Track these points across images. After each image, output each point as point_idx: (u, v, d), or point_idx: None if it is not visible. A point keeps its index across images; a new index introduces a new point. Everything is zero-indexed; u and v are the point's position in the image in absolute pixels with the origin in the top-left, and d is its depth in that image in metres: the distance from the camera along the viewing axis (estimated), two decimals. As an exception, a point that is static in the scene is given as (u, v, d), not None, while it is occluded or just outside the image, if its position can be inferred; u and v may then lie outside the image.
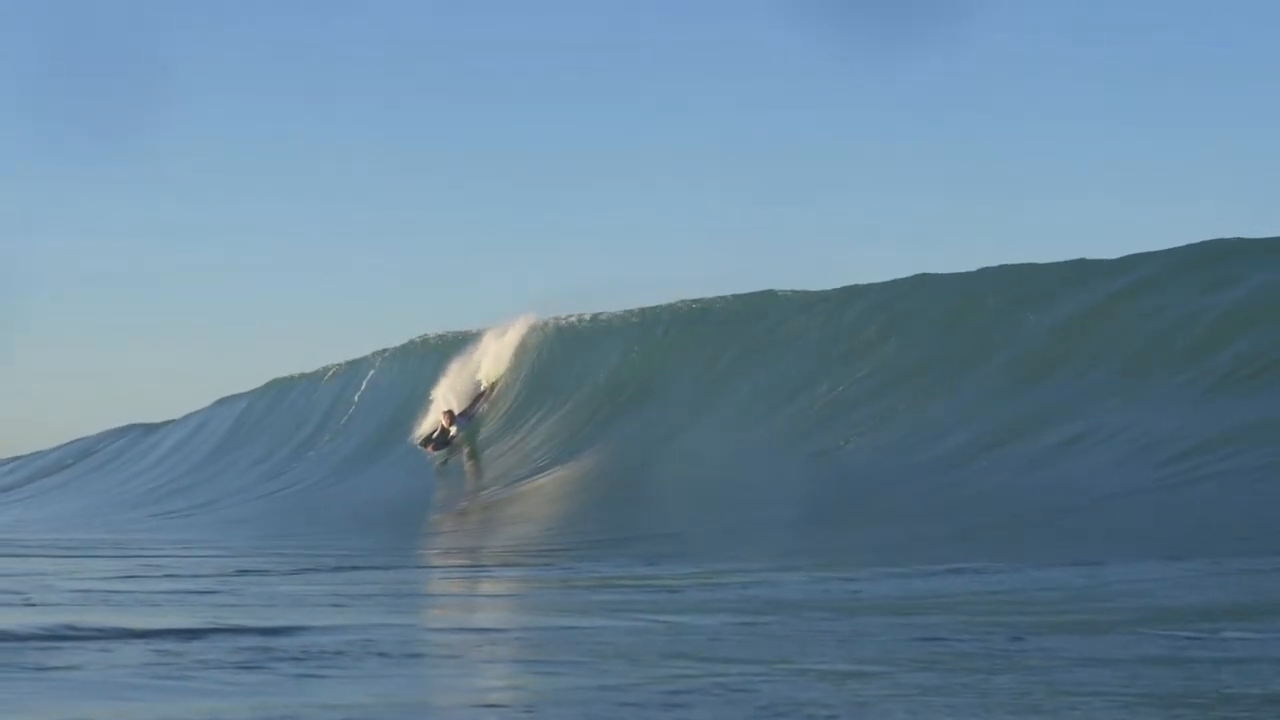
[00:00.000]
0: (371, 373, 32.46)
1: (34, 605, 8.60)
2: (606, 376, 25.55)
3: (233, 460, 32.69)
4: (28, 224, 69.12)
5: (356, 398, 31.91)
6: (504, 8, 66.37)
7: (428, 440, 24.86)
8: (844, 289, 23.39)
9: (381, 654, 6.38)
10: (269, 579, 11.47)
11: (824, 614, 7.91)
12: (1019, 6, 59.98)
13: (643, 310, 26.67)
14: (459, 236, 65.70)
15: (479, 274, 63.48)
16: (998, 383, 18.54)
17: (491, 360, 27.32)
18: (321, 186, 68.07)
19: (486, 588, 11.23)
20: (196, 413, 38.94)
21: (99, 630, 7.01)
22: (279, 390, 35.90)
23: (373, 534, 19.75)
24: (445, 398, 26.10)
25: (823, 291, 23.90)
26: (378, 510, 23.32)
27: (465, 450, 24.40)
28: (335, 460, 28.99)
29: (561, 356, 26.94)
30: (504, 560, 13.89)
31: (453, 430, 24.59)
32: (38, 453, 45.21)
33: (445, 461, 24.47)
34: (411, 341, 32.28)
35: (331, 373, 34.20)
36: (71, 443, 44.20)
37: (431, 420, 25.76)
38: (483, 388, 26.36)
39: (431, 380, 27.35)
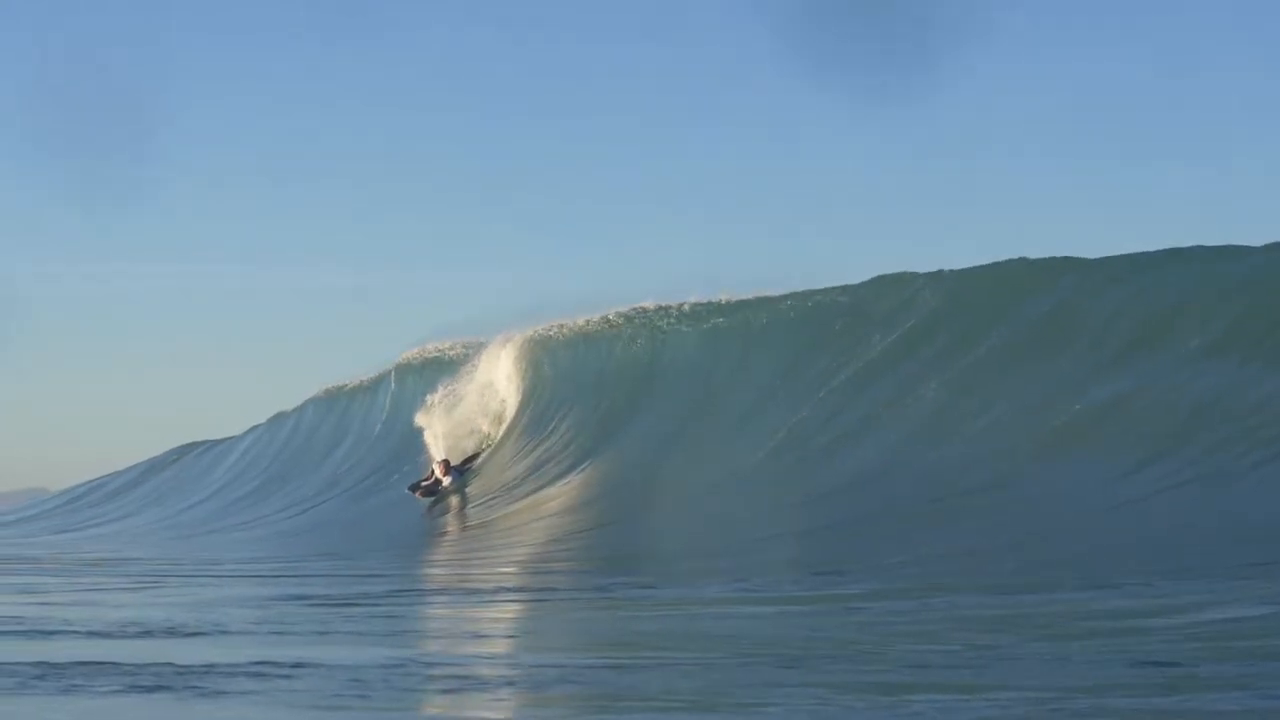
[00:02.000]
0: (393, 386, 32.62)
1: (228, 633, 8.52)
2: (627, 376, 25.21)
3: (305, 471, 32.83)
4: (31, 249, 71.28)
5: (384, 413, 31.98)
6: (527, 30, 67.89)
7: (416, 486, 24.85)
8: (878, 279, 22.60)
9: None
10: (429, 600, 11.39)
11: (1037, 633, 7.64)
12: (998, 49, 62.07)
13: (667, 308, 26.07)
14: (477, 248, 67.03)
15: (491, 280, 64.79)
16: (1065, 371, 17.86)
17: (493, 394, 27.14)
18: (336, 203, 69.45)
19: (663, 612, 10.77)
20: (255, 427, 39.32)
21: (293, 662, 6.91)
22: (319, 405, 36.23)
23: (476, 545, 19.63)
24: (438, 438, 25.97)
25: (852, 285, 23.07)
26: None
27: (453, 499, 24.30)
28: (385, 471, 28.97)
29: (572, 359, 26.73)
30: (664, 577, 13.50)
31: (446, 481, 24.42)
32: (115, 473, 45.70)
33: (432, 507, 24.39)
34: (425, 350, 32.37)
35: (374, 377, 34.33)
36: (154, 458, 44.49)
37: (434, 446, 25.71)
38: (481, 447, 26.01)
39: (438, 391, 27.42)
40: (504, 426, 26.60)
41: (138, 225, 72.46)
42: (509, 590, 12.63)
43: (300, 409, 36.84)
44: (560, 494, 21.70)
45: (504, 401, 27.05)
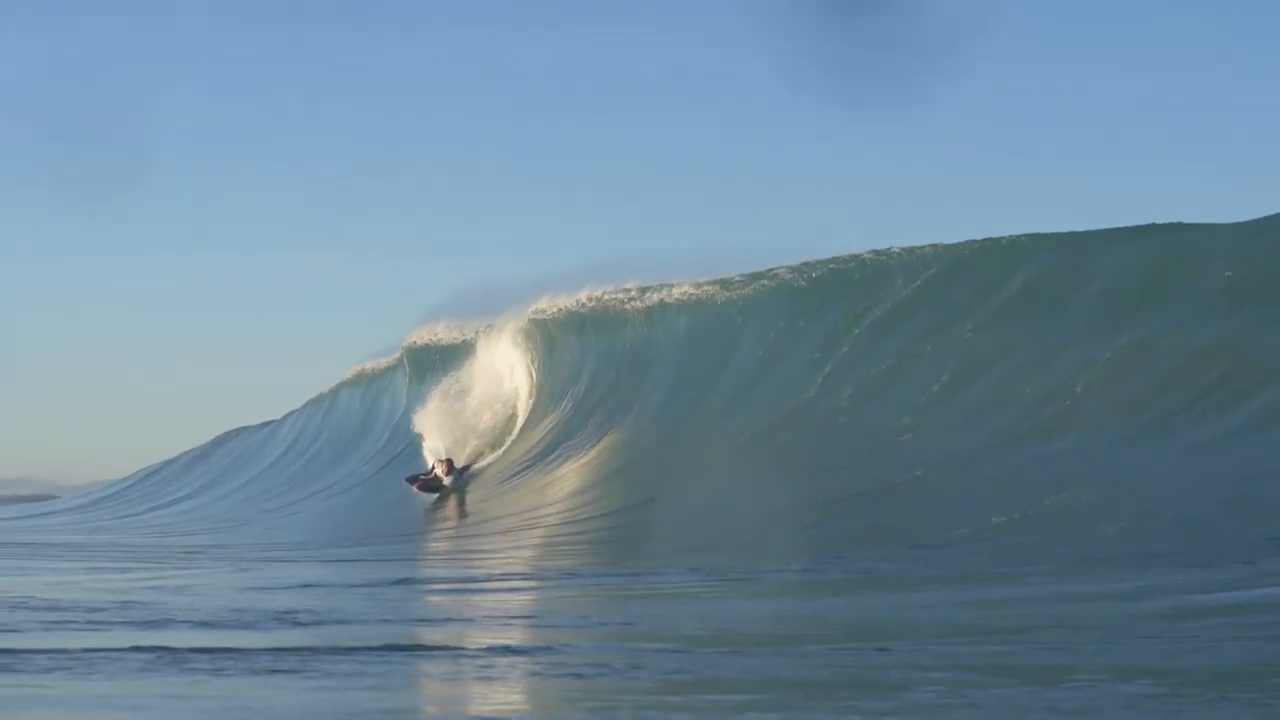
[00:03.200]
0: (407, 368, 32.65)
1: (351, 621, 8.50)
2: (647, 348, 24.69)
3: (354, 446, 32.85)
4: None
5: (404, 393, 31.87)
6: (531, 17, 69.08)
7: (415, 478, 24.12)
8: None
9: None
10: (541, 585, 11.33)
11: (1168, 612, 7.49)
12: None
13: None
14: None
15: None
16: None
17: (506, 377, 26.71)
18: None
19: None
20: (293, 413, 39.52)
21: (427, 644, 6.89)
22: (351, 387, 36.39)
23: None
24: (441, 434, 25.34)
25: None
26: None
27: (453, 498, 23.96)
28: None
29: (590, 335, 26.31)
30: (763, 557, 13.26)
31: (447, 481, 23.83)
32: (165, 461, 45.99)
33: (436, 503, 23.96)
34: (432, 332, 32.27)
35: (391, 360, 34.43)
36: (206, 443, 44.71)
37: (428, 450, 25.29)
38: (481, 454, 25.08)
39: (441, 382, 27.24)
40: (521, 409, 26.21)
41: (138, 220, 74.02)
42: (620, 575, 12.34)
43: (334, 391, 37.04)
44: (614, 472, 21.07)
45: (517, 388, 26.70)
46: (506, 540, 18.09)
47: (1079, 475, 13.72)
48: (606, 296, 26.25)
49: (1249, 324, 15.69)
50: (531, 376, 26.96)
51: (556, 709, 5.26)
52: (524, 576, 12.66)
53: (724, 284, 24.05)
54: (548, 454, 23.77)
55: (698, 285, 24.61)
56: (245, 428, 42.77)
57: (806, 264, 22.94)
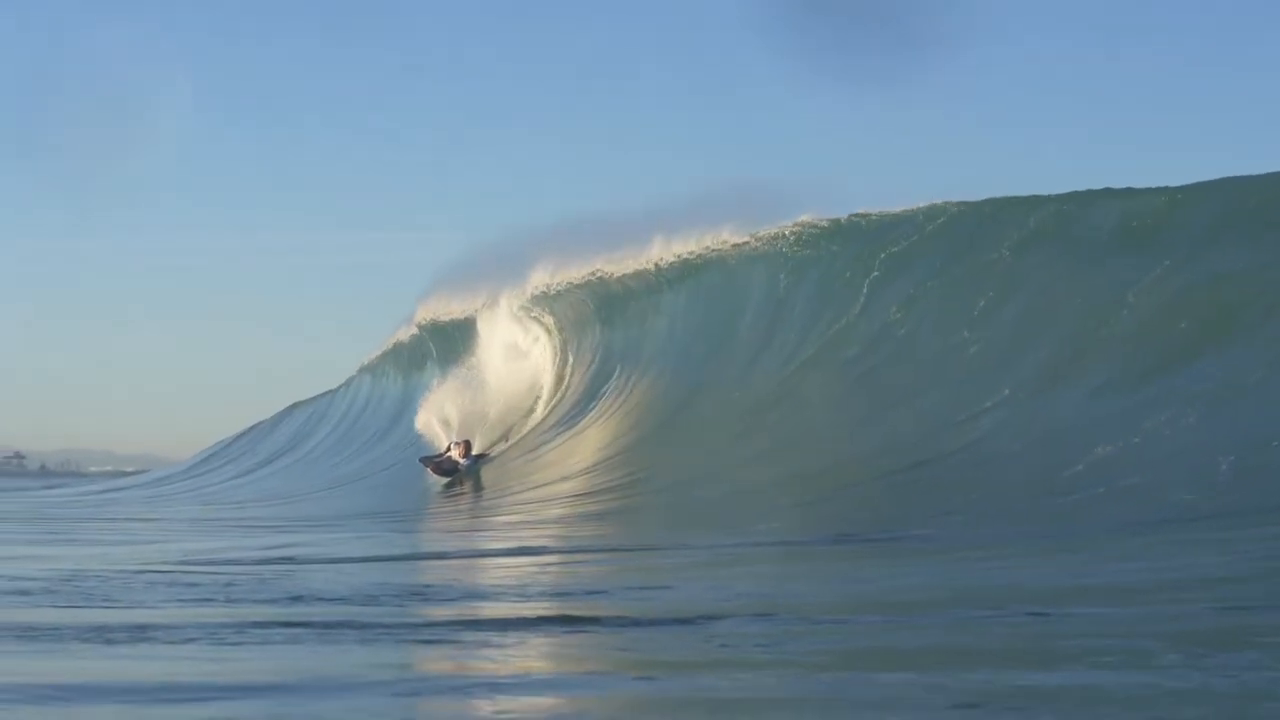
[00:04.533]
0: (431, 346, 32.71)
1: (525, 596, 8.47)
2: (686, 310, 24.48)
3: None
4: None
5: (437, 366, 31.76)
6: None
7: (430, 459, 24.21)
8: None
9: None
10: (679, 554, 11.29)
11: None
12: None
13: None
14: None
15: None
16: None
17: (522, 357, 26.83)
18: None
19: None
20: (352, 379, 39.77)
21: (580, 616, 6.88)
22: (388, 356, 36.89)
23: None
24: (455, 413, 25.42)
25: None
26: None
27: (467, 480, 23.64)
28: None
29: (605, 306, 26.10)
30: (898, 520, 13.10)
31: (462, 464, 23.81)
32: (217, 443, 46.42)
33: (449, 484, 23.84)
34: (441, 308, 32.20)
35: (413, 335, 34.60)
36: (279, 412, 45.09)
37: (443, 431, 25.35)
38: (506, 444, 25.09)
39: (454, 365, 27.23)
40: (546, 377, 26.41)
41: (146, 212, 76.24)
42: (745, 545, 12.05)
43: (380, 361, 37.58)
44: (678, 427, 20.89)
45: (537, 358, 26.88)
46: (596, 504, 17.87)
47: (1166, 395, 13.26)
48: (620, 257, 26.03)
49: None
50: (551, 343, 26.88)
51: (721, 681, 5.18)
52: (643, 548, 12.51)
53: (741, 229, 23.74)
54: (588, 413, 23.71)
55: (714, 237, 24.23)
56: (307, 400, 43.35)
57: (810, 220, 22.60)
